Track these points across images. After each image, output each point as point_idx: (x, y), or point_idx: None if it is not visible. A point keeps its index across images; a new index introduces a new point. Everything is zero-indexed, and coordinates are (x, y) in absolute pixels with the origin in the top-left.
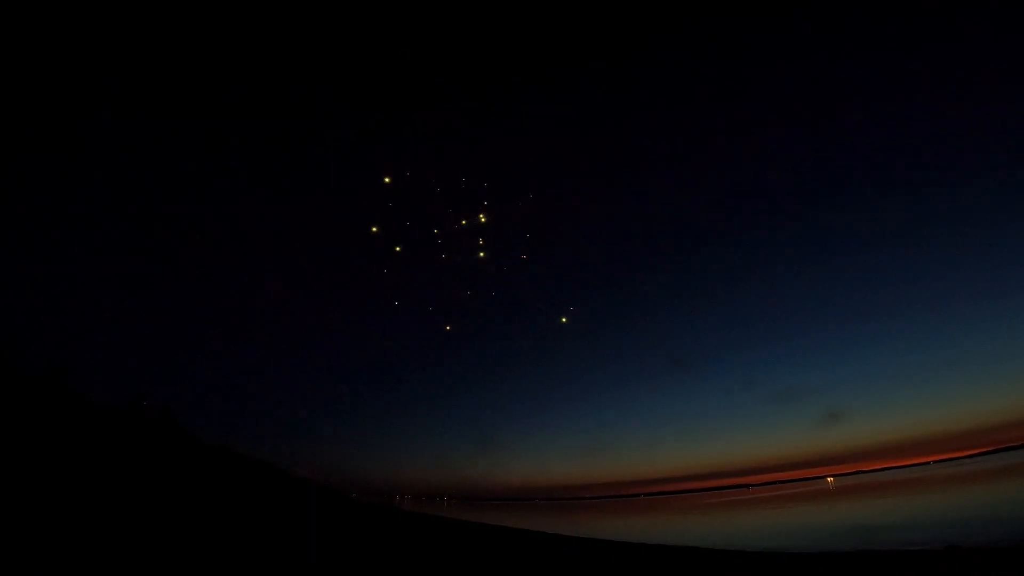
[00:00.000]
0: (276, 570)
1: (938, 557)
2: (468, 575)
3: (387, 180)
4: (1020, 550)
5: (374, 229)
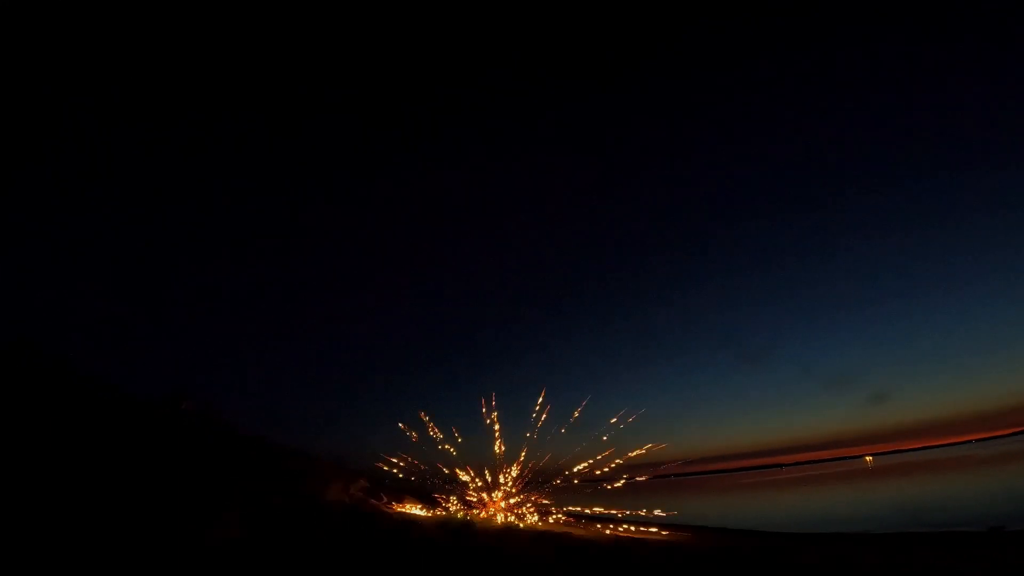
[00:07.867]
0: (296, 558)
1: (980, 539)
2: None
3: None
4: None
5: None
